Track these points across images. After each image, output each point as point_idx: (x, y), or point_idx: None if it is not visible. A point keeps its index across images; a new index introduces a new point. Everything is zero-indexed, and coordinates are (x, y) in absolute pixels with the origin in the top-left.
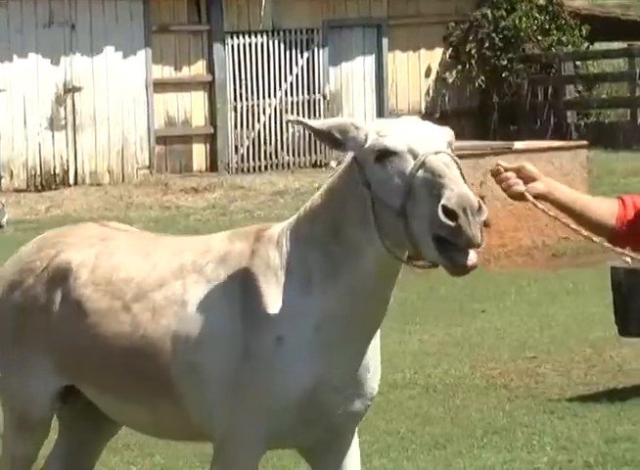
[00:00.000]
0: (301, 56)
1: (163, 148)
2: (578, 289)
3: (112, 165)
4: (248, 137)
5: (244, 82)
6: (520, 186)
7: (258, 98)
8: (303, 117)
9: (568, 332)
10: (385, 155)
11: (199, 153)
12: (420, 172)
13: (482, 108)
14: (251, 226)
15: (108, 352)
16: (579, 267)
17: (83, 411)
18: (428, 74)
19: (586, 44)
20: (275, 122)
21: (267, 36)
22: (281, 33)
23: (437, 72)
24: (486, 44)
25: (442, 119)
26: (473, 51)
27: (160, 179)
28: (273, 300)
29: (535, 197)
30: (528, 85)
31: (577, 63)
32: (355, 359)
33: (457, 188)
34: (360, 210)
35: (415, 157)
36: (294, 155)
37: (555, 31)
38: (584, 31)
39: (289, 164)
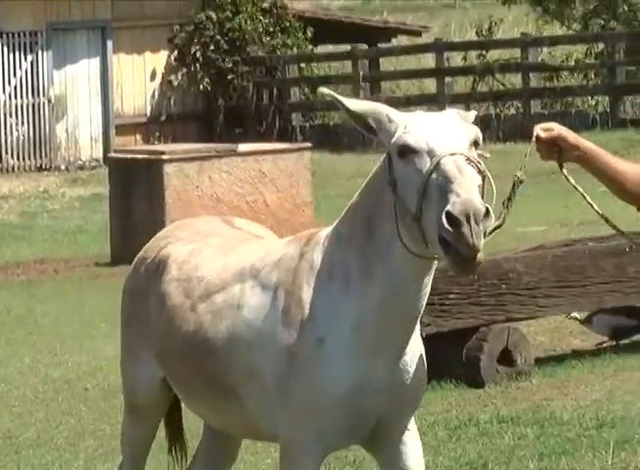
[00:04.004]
0: (25, 59)
1: None
2: None
3: None
4: None
5: None
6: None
7: None
8: (28, 120)
9: None
10: (407, 151)
11: None
12: (434, 174)
13: (208, 111)
14: (309, 230)
15: (178, 349)
16: None
17: None
18: (153, 77)
19: (310, 47)
20: None
21: None
22: (4, 36)
23: (163, 75)
24: (211, 47)
25: (168, 123)
26: (198, 54)
27: None
28: (313, 302)
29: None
30: (253, 88)
31: (302, 65)
32: (394, 361)
33: (464, 194)
34: (391, 205)
35: (432, 157)
36: (18, 158)
37: (279, 34)
38: (308, 34)
39: (13, 168)
